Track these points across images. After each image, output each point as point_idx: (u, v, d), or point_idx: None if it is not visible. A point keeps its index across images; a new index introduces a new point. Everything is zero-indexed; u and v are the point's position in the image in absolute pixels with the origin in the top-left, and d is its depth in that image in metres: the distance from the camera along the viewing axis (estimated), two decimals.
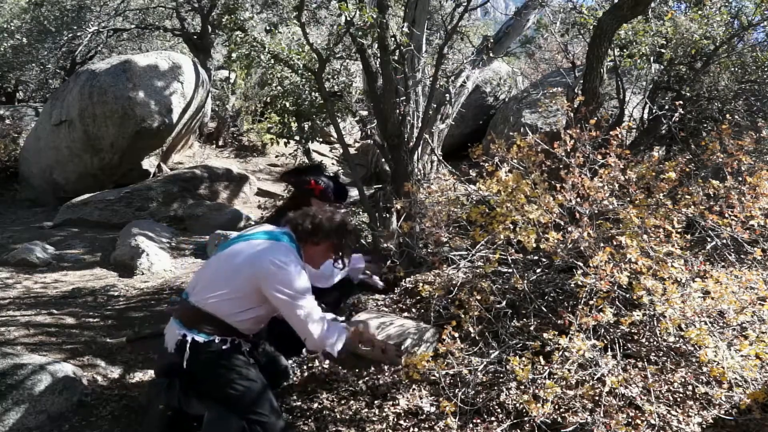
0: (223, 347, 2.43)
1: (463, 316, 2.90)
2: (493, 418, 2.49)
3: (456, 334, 2.63)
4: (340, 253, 2.66)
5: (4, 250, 5.87)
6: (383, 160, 5.95)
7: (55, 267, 5.64)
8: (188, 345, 2.41)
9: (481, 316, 2.87)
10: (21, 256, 5.54)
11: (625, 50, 4.76)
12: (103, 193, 7.51)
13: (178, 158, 10.08)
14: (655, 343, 2.76)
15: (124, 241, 5.87)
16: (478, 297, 2.96)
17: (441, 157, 5.35)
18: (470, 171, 3.62)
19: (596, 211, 2.94)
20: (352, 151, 11.69)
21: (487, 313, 2.91)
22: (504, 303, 2.97)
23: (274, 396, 2.51)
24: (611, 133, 3.13)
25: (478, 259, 3.47)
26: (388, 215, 4.04)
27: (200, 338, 2.41)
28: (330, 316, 2.80)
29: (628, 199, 3.00)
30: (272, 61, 4.76)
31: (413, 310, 3.73)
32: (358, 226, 4.62)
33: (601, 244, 2.77)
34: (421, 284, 3.89)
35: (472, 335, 2.90)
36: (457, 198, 4.02)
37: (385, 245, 3.86)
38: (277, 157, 11.02)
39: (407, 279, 4.09)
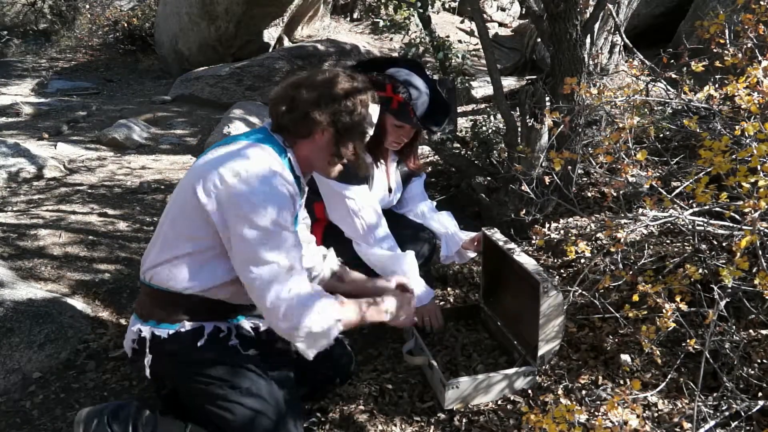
0: (199, 343, 1.43)
1: (644, 329, 1.58)
2: None
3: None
4: (344, 152, 1.50)
5: (106, 126, 5.39)
6: (539, 40, 4.32)
7: (150, 149, 5.07)
8: (147, 344, 1.44)
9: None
10: (112, 135, 5.00)
11: None
12: (214, 68, 6.76)
13: (307, 31, 9.03)
14: None
15: (220, 126, 5.08)
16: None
17: (627, 41, 3.63)
18: (673, 63, 2.20)
19: None
20: (506, 32, 9.77)
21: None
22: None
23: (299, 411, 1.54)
24: None
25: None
26: (537, 125, 2.63)
27: (161, 331, 1.43)
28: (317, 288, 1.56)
29: None
30: None
31: (555, 276, 2.47)
32: (488, 136, 3.23)
33: None
34: (572, 237, 2.59)
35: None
36: (648, 105, 2.59)
37: (523, 170, 2.48)
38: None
39: (555, 225, 2.77)
